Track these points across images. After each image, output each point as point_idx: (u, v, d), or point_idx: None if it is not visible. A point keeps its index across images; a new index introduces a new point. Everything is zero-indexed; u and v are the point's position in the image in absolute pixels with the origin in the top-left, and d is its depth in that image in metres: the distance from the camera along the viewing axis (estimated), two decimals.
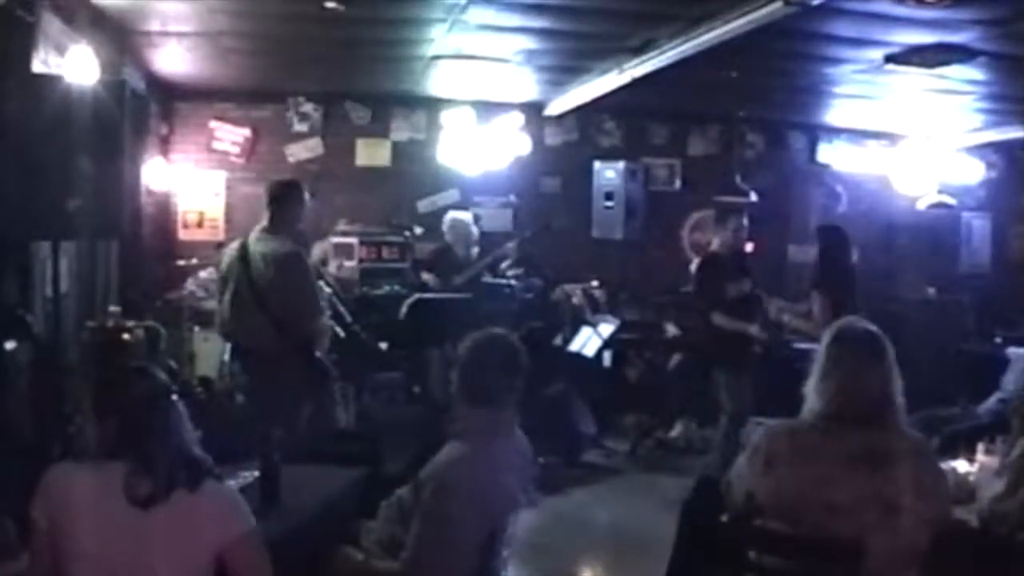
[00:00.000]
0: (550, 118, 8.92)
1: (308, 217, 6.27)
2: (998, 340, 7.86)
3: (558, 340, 7.56)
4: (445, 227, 7.50)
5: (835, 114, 9.05)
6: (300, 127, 8.59)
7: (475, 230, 7.48)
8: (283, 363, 4.97)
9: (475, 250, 7.41)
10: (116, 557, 2.26)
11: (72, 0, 5.12)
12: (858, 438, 2.70)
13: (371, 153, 8.75)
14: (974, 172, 9.82)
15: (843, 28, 5.66)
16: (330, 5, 5.33)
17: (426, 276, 7.28)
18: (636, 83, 6.80)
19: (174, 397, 2.45)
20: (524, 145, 8.57)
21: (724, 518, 2.93)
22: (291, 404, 4.92)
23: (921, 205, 9.69)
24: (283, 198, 5.15)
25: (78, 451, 2.37)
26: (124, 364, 3.88)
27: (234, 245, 5.25)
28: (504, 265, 7.48)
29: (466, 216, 7.55)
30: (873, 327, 2.90)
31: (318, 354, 5.12)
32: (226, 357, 5.36)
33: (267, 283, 4.92)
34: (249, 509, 2.50)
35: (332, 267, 7.31)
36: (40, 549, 2.32)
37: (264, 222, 5.13)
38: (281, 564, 2.56)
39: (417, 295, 6.90)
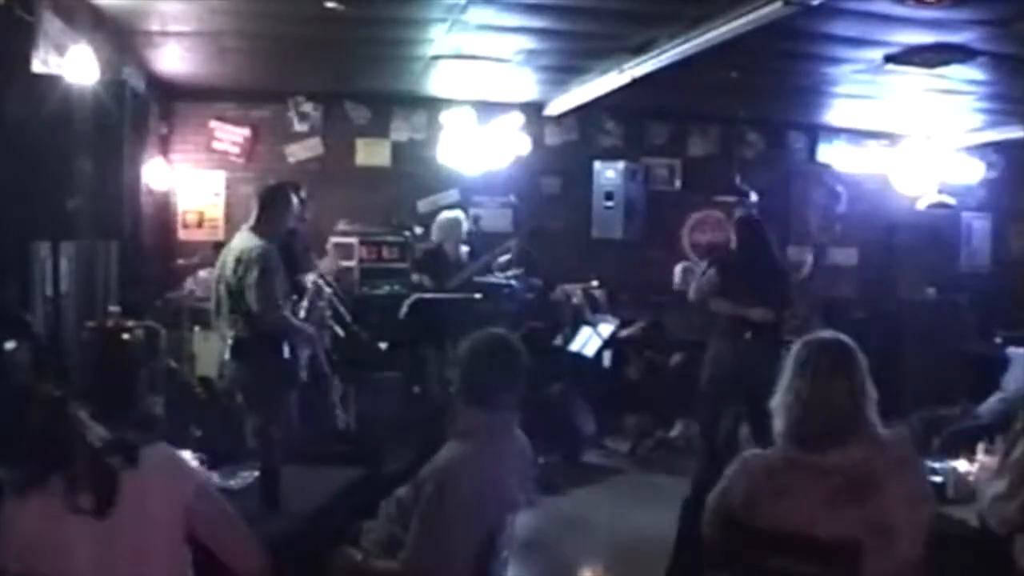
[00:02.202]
0: (550, 118, 8.92)
1: (308, 217, 6.30)
2: (998, 340, 7.85)
3: (558, 340, 7.55)
4: (435, 227, 7.49)
5: (835, 114, 9.05)
6: (300, 127, 8.59)
7: (465, 228, 7.46)
8: (256, 356, 5.09)
9: (465, 248, 7.39)
10: (94, 566, 2.24)
11: (72, 0, 5.12)
12: (838, 466, 2.59)
13: (371, 153, 8.75)
14: (974, 172, 9.81)
15: (843, 28, 5.66)
16: (330, 5, 5.34)
17: (417, 277, 7.24)
18: (636, 83, 6.80)
19: (66, 406, 2.36)
20: (524, 145, 8.56)
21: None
22: (269, 397, 5.00)
23: (921, 205, 9.68)
24: (269, 202, 5.29)
25: (13, 487, 2.31)
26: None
27: (225, 248, 5.38)
28: (498, 262, 7.46)
29: (456, 214, 7.52)
30: (843, 337, 2.78)
31: (287, 355, 5.16)
32: (227, 356, 5.37)
33: (231, 276, 5.07)
34: (190, 463, 2.45)
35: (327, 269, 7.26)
36: None
37: (250, 221, 5.24)
38: (281, 564, 2.56)
39: (417, 295, 6.89)
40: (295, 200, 5.47)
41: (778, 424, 2.73)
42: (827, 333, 2.84)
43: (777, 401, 2.74)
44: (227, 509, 2.49)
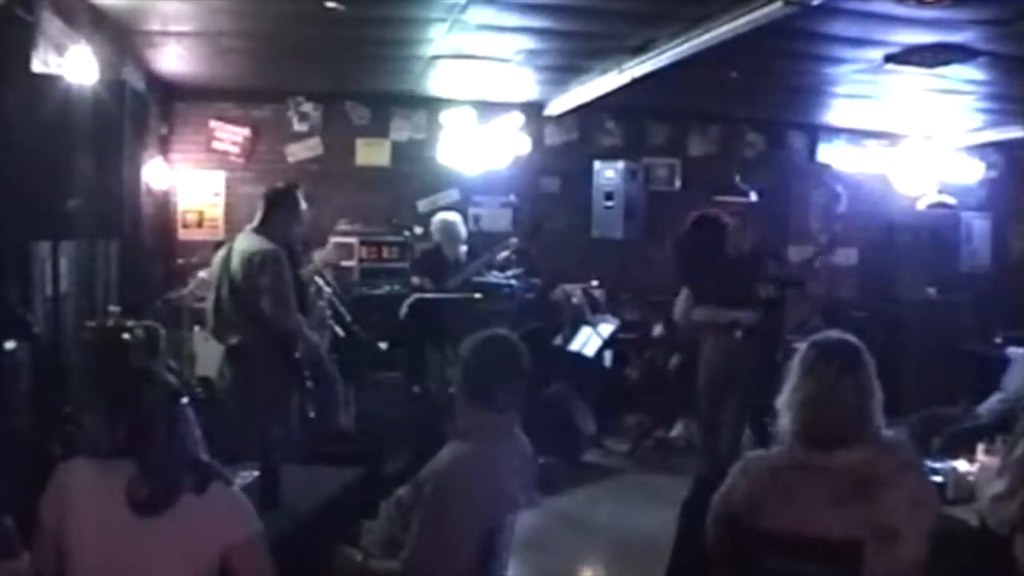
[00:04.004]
0: (550, 118, 8.92)
1: (308, 218, 6.29)
2: (998, 340, 7.85)
3: (558, 340, 7.55)
4: (433, 228, 7.48)
5: (835, 114, 9.06)
6: (300, 127, 8.59)
7: (463, 230, 7.45)
8: (262, 359, 5.04)
9: (463, 249, 7.40)
10: (117, 560, 2.26)
11: (72, 0, 5.12)
12: (843, 467, 2.59)
13: (371, 153, 8.75)
14: (974, 172, 9.82)
15: (843, 28, 5.66)
16: (330, 5, 5.33)
17: (418, 280, 7.23)
18: (636, 83, 6.79)
19: (183, 401, 2.44)
20: (524, 145, 8.57)
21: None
22: (274, 400, 4.97)
23: (921, 205, 9.69)
24: (277, 204, 5.22)
25: (89, 449, 2.36)
26: (132, 366, 3.86)
27: (223, 247, 5.34)
28: (497, 260, 7.45)
29: (454, 217, 7.52)
30: (850, 338, 2.77)
31: (298, 354, 5.14)
32: (222, 361, 5.36)
33: (241, 279, 5.02)
34: (255, 513, 2.49)
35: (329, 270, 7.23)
36: (44, 546, 2.31)
37: (254, 222, 5.20)
38: (281, 564, 2.56)
39: (417, 295, 6.89)
40: (303, 204, 5.43)
41: (784, 424, 2.72)
42: (834, 333, 2.82)
43: (783, 401, 2.73)
44: (269, 567, 2.48)
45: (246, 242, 5.11)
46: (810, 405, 2.65)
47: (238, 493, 2.53)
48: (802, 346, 2.79)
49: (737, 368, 5.76)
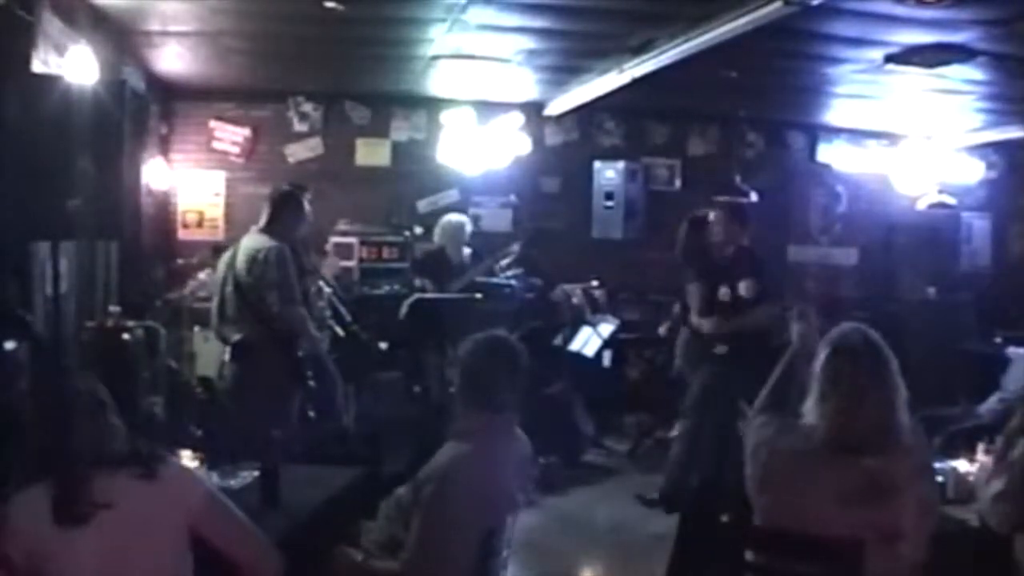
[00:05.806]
0: (550, 118, 8.92)
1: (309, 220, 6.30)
2: (998, 340, 7.85)
3: (558, 340, 7.55)
4: (439, 230, 7.45)
5: (835, 114, 9.05)
6: (300, 127, 8.58)
7: (467, 232, 7.45)
8: (265, 357, 5.08)
9: (467, 251, 7.39)
10: (97, 569, 2.25)
11: (72, 0, 5.12)
12: (862, 468, 2.59)
13: (371, 153, 8.74)
14: (974, 172, 9.82)
15: (843, 28, 5.66)
16: (330, 5, 5.33)
17: (420, 282, 7.20)
18: (636, 83, 6.79)
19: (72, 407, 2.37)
20: (524, 145, 8.56)
21: (724, 518, 2.93)
22: (275, 398, 4.99)
23: (921, 205, 9.69)
24: (283, 206, 5.29)
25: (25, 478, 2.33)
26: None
27: (229, 249, 5.39)
28: (500, 264, 7.45)
29: (459, 218, 7.50)
30: (873, 336, 2.75)
31: (300, 353, 5.15)
32: (226, 357, 5.37)
33: (245, 275, 5.07)
34: (197, 472, 2.51)
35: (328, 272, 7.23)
36: None
37: (260, 223, 5.25)
38: (281, 564, 2.56)
39: (417, 295, 6.89)
40: (307, 207, 5.47)
41: (810, 420, 2.70)
42: (852, 332, 2.78)
43: (809, 408, 2.72)
44: (237, 515, 2.53)
45: (252, 241, 5.18)
46: (840, 415, 2.64)
47: (178, 464, 2.58)
48: (823, 347, 2.77)
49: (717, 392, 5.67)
